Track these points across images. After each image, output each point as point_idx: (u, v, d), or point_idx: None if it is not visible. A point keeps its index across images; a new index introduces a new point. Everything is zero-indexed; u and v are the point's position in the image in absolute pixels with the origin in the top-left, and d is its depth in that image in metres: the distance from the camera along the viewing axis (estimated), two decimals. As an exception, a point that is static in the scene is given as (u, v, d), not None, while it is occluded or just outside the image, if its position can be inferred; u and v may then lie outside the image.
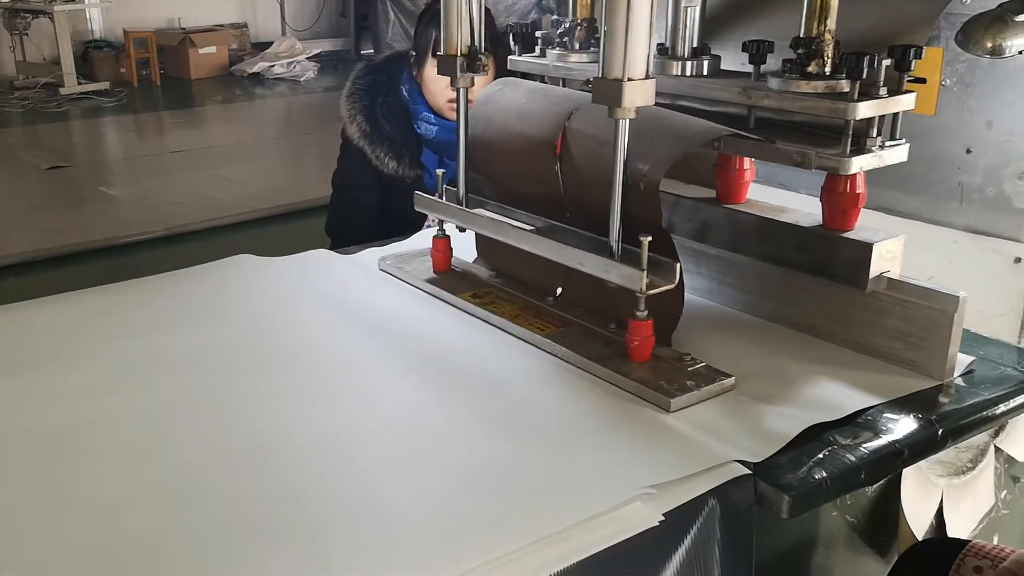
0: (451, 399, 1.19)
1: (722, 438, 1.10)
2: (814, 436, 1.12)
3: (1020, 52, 1.43)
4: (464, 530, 0.93)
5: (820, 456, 1.08)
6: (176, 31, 8.61)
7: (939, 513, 1.59)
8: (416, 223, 2.09)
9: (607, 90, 1.16)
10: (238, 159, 5.74)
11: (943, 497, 1.61)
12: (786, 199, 1.57)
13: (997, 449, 1.75)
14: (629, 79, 1.14)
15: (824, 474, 1.05)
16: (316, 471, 1.04)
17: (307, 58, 8.87)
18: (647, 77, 1.16)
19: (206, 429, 1.12)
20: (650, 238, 1.19)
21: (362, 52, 9.69)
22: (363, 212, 2.18)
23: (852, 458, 1.08)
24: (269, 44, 9.07)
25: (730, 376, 1.23)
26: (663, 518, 0.94)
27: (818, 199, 1.34)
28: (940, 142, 1.76)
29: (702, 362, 1.25)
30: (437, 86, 2.07)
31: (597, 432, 1.12)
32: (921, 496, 1.54)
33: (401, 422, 1.14)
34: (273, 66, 8.57)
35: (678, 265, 1.21)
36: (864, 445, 1.11)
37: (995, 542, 1.44)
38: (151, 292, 1.53)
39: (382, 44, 8.86)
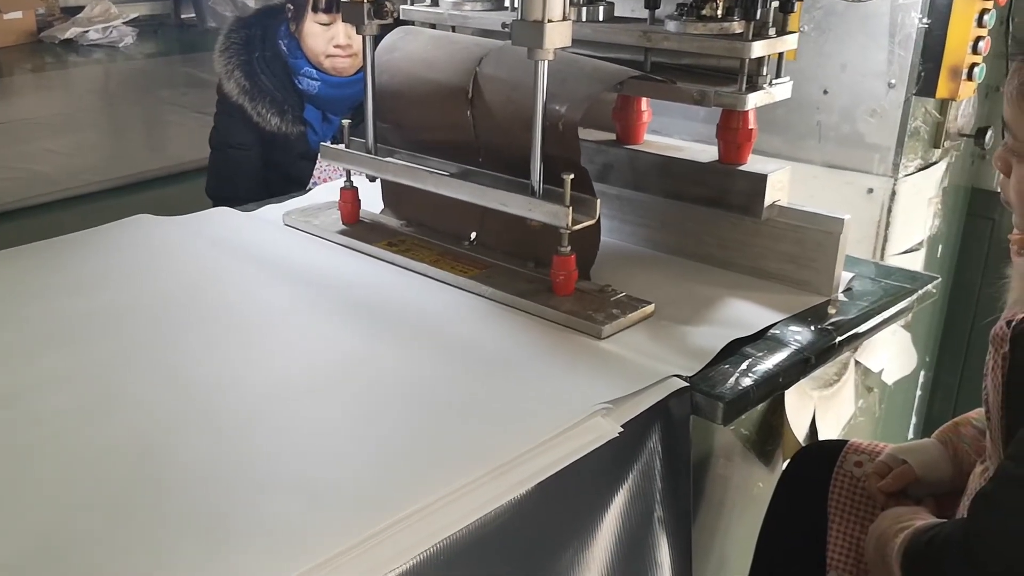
0: (391, 342, 1.21)
1: (655, 357, 1.18)
2: (732, 351, 1.22)
3: (878, -3, 1.58)
4: (439, 458, 0.96)
5: (743, 367, 1.18)
6: (-27, -5, 7.84)
7: (812, 422, 1.76)
8: (301, 180, 2.05)
9: (527, 32, 1.19)
10: (62, 131, 5.31)
11: (815, 408, 1.78)
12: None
13: (856, 363, 1.95)
14: (549, 20, 1.18)
15: (750, 382, 1.15)
16: (268, 421, 1.03)
17: (124, 23, 8.30)
18: (564, 19, 1.20)
19: (151, 387, 1.09)
20: (572, 176, 1.24)
21: (182, 16, 9.14)
22: (245, 171, 2.10)
23: (771, 366, 1.19)
24: (80, 8, 8.38)
25: (649, 303, 1.31)
26: (622, 429, 1.01)
27: (688, 142, 1.43)
28: (800, 84, 1.87)
29: (622, 292, 1.33)
30: (316, 41, 2.03)
31: (539, 361, 1.17)
32: (800, 408, 1.70)
33: (346, 368, 1.15)
34: (87, 31, 7.94)
35: (598, 201, 1.28)
36: (777, 354, 1.22)
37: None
38: (54, 255, 1.45)
39: (204, 9, 8.39)
